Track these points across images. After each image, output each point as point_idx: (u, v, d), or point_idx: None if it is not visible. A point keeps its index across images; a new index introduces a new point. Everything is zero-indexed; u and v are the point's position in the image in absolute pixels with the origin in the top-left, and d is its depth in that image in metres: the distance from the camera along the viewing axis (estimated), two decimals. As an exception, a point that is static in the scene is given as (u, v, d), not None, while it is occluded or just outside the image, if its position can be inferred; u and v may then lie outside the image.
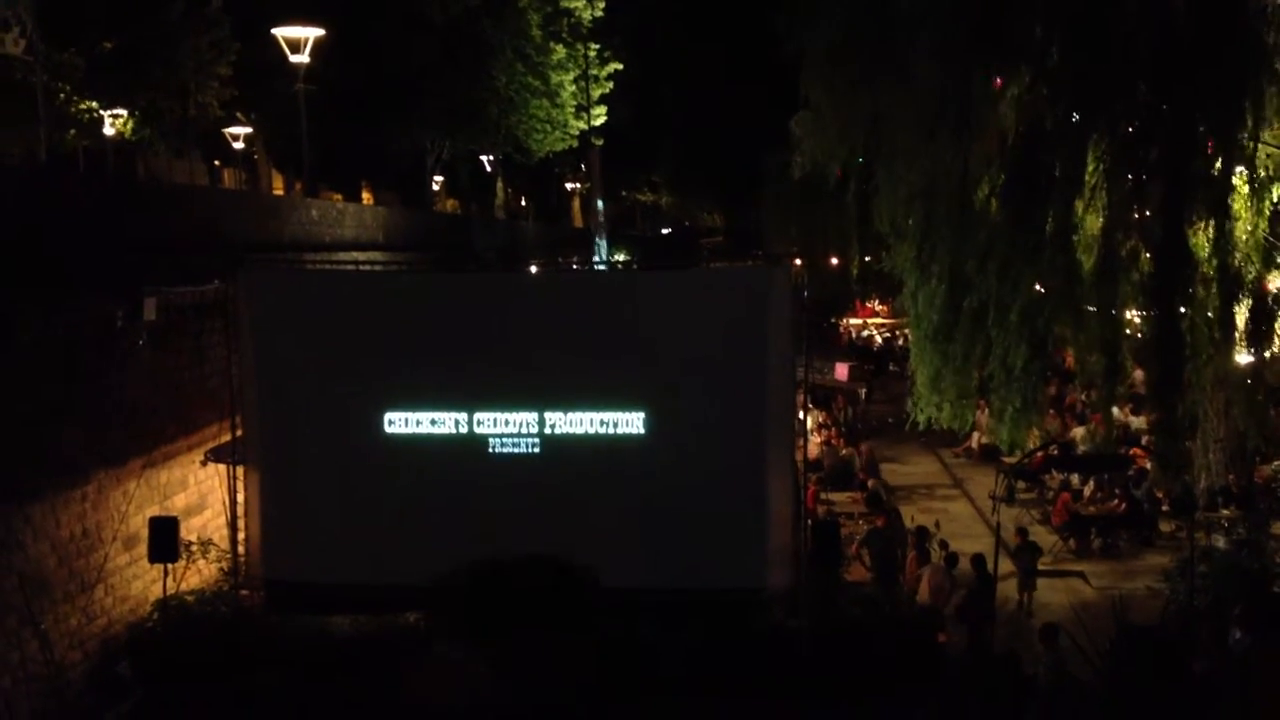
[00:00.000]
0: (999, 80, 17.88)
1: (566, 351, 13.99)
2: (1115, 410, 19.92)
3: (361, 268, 16.87)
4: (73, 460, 12.82)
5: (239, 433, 14.39)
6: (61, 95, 24.30)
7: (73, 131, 25.47)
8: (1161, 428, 17.30)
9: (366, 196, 34.07)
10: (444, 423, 14.16)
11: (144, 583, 14.08)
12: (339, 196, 32.19)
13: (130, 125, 25.16)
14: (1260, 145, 15.82)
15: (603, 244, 45.54)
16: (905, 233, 20.20)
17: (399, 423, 14.17)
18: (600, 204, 46.46)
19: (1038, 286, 17.55)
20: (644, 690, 12.93)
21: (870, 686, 12.65)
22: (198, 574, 14.80)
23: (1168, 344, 16.16)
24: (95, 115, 25.32)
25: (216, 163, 34.42)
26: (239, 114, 27.09)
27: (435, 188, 41.58)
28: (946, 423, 20.12)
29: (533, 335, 14.07)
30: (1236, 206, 16.06)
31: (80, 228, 13.56)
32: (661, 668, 13.09)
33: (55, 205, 13.43)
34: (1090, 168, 16.68)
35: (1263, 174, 16.05)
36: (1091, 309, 17.33)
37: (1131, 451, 21.33)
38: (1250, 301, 16.43)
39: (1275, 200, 16.30)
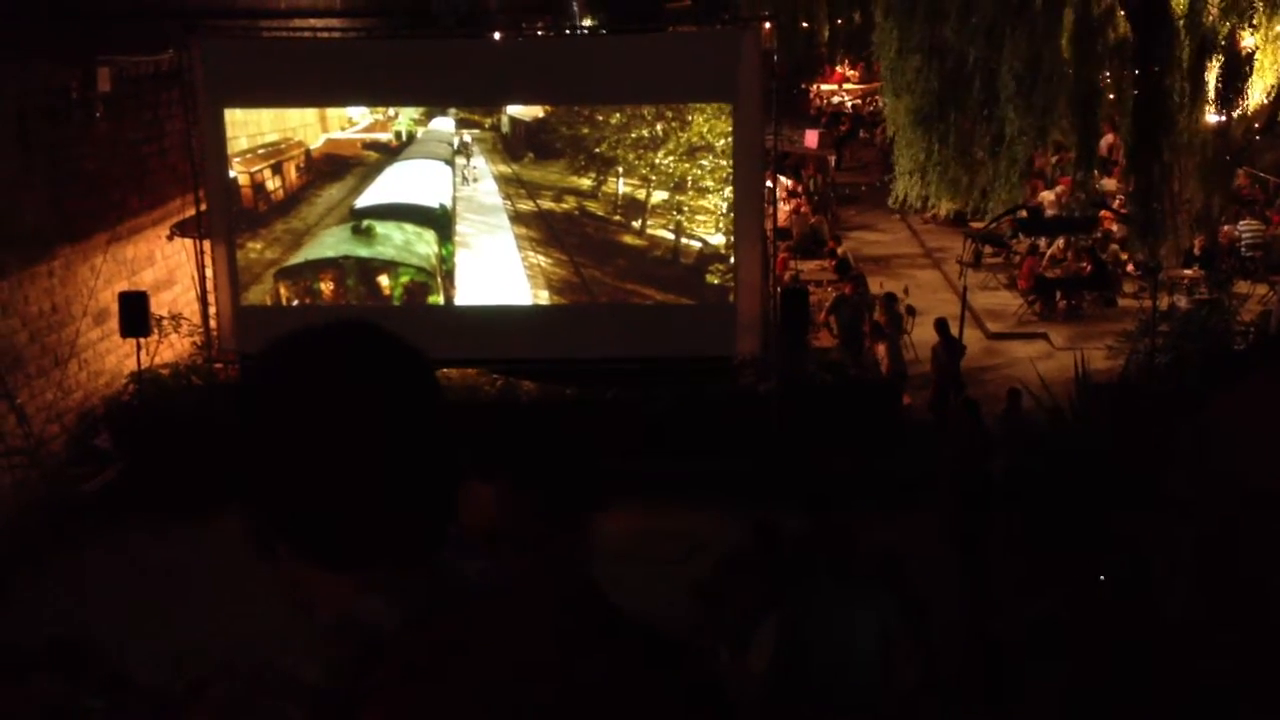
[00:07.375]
0: None
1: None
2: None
3: (319, 35, 16.35)
4: (36, 235, 12.68)
5: (203, 206, 14.23)
6: None
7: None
8: (1138, 192, 17.29)
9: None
10: (411, 193, 14.01)
11: (117, 357, 14.15)
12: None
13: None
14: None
15: None
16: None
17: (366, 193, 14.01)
18: None
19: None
20: (612, 452, 13.20)
21: (837, 444, 12.98)
22: (170, 348, 14.85)
23: (1147, 105, 16.00)
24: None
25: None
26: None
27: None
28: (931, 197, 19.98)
29: (499, 101, 13.82)
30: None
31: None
32: (632, 431, 13.36)
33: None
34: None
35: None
36: (1068, 70, 17.09)
37: (1101, 214, 21.34)
38: (1222, 60, 16.22)
39: None
